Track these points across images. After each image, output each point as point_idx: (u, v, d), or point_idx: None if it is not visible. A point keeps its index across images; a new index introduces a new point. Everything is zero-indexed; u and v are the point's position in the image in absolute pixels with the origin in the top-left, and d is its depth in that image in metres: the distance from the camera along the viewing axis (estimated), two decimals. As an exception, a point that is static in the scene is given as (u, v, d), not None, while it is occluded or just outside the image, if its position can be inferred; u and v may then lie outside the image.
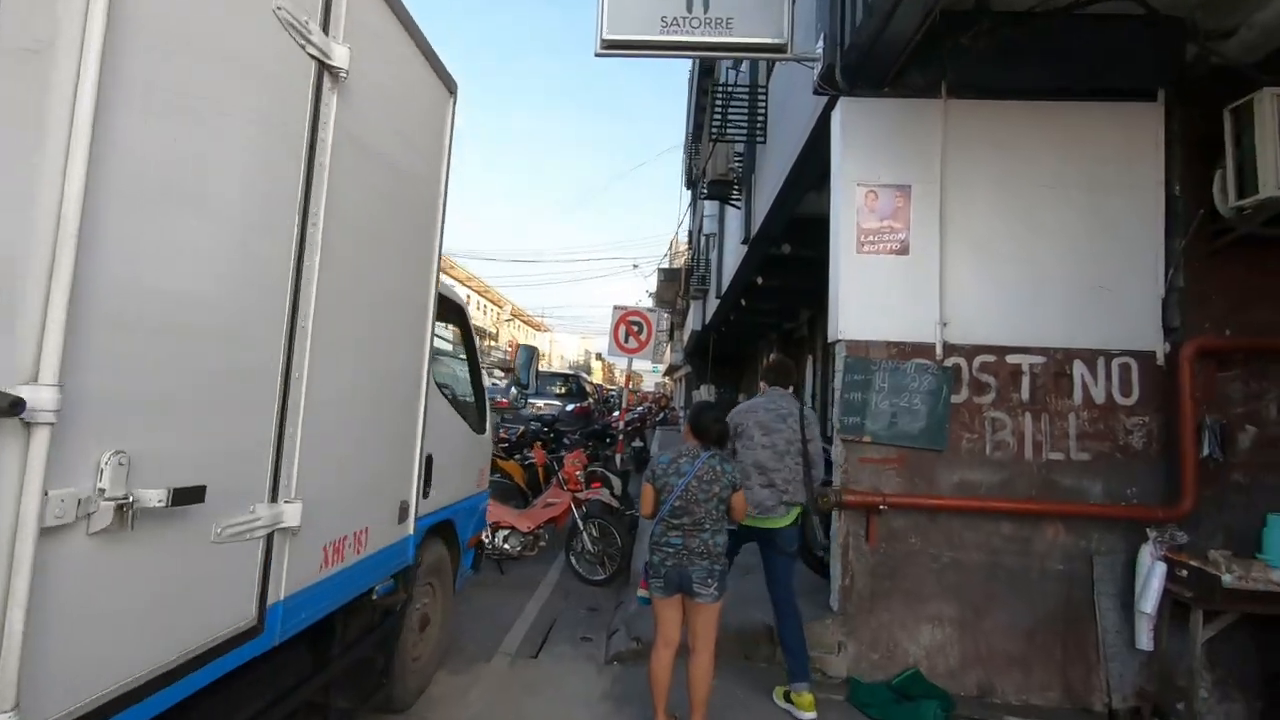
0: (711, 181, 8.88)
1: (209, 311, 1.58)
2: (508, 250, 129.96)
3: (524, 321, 78.16)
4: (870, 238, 4.10)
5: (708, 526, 3.05)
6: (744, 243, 8.97)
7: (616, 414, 12.95)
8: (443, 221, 2.99)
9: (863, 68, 3.96)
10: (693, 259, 23.13)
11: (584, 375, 17.12)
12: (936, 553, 3.94)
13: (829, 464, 4.07)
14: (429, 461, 3.15)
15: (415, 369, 2.84)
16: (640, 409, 18.93)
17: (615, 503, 5.91)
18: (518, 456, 7.38)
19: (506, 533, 5.48)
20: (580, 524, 5.62)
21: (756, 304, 13.53)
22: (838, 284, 4.14)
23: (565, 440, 9.21)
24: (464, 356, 4.02)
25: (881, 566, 3.96)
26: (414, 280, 2.78)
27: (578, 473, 5.92)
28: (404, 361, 2.74)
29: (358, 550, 2.34)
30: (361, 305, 2.28)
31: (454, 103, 3.02)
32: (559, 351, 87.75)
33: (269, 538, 1.83)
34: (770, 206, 7.59)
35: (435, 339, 3.05)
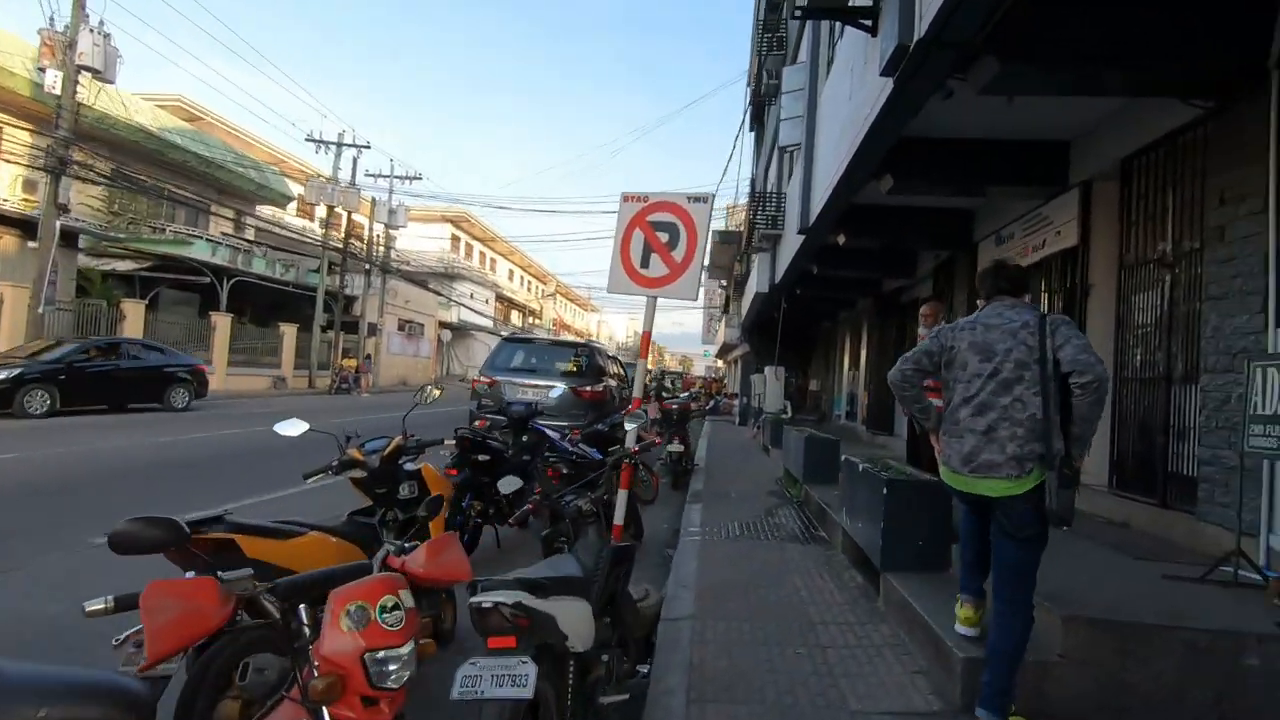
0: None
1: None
2: (526, 198, 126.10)
3: (569, 299, 73.90)
4: None
5: None
6: (885, 73, 4.46)
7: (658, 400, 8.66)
8: None
9: None
10: (755, 211, 18.65)
11: (600, 346, 12.72)
12: None
13: None
14: None
15: None
16: (683, 395, 14.45)
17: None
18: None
19: None
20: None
21: (862, 238, 8.95)
22: None
23: (567, 451, 5.11)
24: None
25: None
26: None
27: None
28: None
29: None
30: None
31: None
32: (606, 333, 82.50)
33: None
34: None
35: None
